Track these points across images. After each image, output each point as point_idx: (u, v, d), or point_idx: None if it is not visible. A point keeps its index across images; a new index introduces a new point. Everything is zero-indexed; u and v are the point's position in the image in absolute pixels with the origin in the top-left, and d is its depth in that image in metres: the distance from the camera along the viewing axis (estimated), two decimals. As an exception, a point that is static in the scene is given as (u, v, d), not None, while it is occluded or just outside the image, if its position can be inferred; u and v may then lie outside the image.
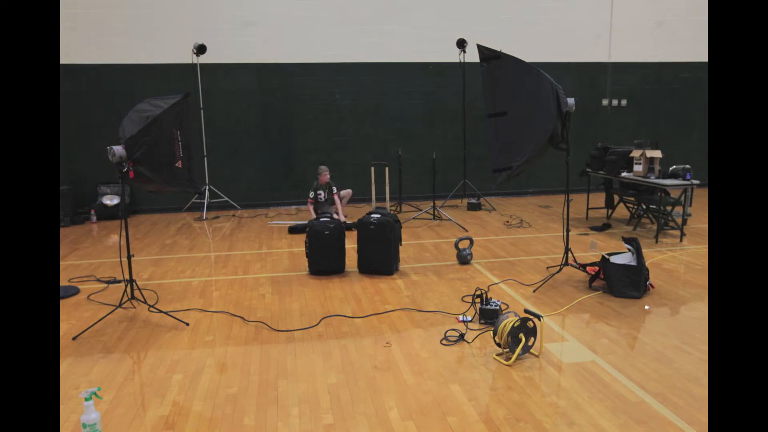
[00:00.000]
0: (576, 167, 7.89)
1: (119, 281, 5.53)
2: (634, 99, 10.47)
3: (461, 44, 9.05)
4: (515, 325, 3.67)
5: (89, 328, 4.32)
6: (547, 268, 5.74)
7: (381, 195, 8.73)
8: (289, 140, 9.53)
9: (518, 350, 3.66)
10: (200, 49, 8.55)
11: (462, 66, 9.26)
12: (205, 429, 2.98)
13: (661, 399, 3.20)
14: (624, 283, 4.82)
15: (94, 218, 8.63)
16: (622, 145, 8.69)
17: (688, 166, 6.71)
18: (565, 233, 5.48)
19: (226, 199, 9.30)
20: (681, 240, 6.79)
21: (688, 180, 6.59)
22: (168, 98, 4.57)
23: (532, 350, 3.78)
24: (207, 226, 8.24)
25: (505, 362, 3.65)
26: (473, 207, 9.02)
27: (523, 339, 3.69)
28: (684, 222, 7.01)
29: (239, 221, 8.50)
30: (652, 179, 6.75)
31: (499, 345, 3.77)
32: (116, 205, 8.83)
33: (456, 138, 9.75)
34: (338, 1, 9.26)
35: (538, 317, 3.72)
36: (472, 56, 9.73)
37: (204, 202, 9.04)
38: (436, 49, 9.62)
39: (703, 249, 6.38)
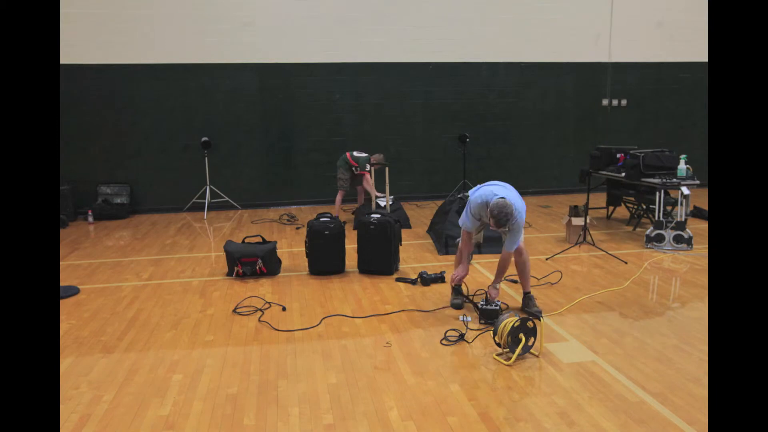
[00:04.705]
0: (576, 167, 7.91)
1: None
2: (634, 99, 10.47)
3: None
4: (515, 325, 3.67)
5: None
6: (546, 259, 5.74)
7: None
8: (289, 140, 9.52)
9: (518, 350, 3.66)
10: (205, 145, 8.86)
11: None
12: (205, 429, 2.98)
13: (661, 399, 3.20)
14: None
15: (91, 218, 8.55)
16: (621, 145, 8.71)
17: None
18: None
19: (227, 199, 9.30)
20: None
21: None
22: None
23: (532, 350, 3.78)
24: (207, 226, 8.24)
25: (505, 362, 3.65)
26: (473, 207, 9.01)
27: (523, 339, 3.69)
28: (684, 221, 7.00)
29: (239, 221, 8.50)
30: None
31: (499, 345, 3.77)
32: (119, 204, 8.85)
33: (456, 138, 9.75)
34: (338, 1, 9.26)
35: (538, 317, 3.72)
36: (474, 56, 9.77)
37: (204, 202, 9.04)
38: (436, 49, 9.62)
39: (703, 249, 6.38)
